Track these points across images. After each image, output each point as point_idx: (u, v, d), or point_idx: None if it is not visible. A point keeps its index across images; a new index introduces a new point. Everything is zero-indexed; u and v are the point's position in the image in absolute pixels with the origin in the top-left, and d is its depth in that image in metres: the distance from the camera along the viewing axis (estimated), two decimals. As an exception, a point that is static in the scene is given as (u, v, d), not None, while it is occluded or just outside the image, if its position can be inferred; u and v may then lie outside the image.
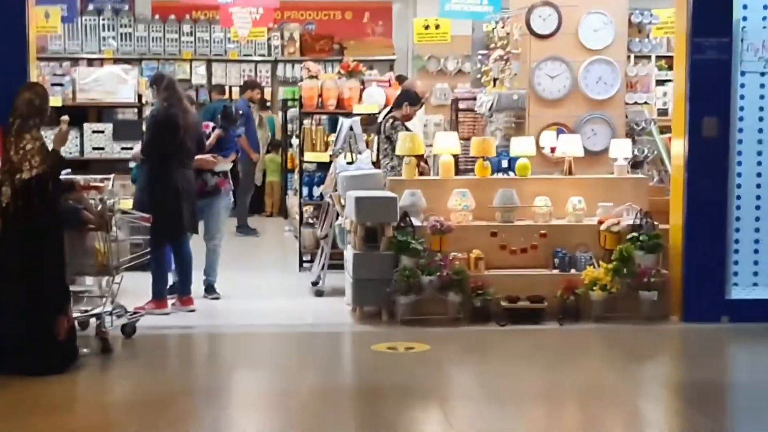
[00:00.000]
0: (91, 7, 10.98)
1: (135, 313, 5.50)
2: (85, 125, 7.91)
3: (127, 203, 6.22)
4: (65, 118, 5.12)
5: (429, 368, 5.18)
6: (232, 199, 6.91)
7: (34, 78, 5.83)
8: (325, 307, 6.77)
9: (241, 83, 10.95)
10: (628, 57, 8.19)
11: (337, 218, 6.82)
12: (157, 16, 11.48)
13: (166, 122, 5.81)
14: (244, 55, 11.44)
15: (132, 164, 6.78)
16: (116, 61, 10.33)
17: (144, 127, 6.54)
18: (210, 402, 4.48)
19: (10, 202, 4.54)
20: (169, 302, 6.10)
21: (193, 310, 6.14)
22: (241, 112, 7.67)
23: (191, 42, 11.33)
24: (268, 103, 11.02)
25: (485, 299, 6.01)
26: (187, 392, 4.68)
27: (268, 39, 11.10)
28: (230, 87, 11.15)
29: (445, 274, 5.94)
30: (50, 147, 4.69)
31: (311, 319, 6.56)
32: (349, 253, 6.28)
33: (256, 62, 11.57)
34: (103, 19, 11.02)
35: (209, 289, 6.42)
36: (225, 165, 6.55)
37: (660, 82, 8.95)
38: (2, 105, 5.07)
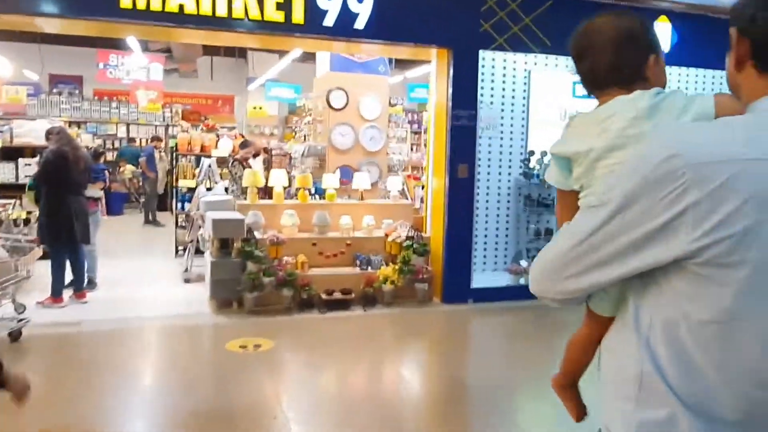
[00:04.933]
0: (55, 90, 16.22)
1: (22, 319, 5.77)
2: (20, 159, 10.07)
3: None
4: None
5: (273, 367, 5.44)
6: (102, 217, 7.69)
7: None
8: (192, 297, 7.36)
9: (150, 137, 15.33)
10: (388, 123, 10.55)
11: (199, 229, 7.77)
12: (96, 97, 16.50)
13: (55, 156, 6.55)
14: (148, 122, 16.54)
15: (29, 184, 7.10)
16: (70, 123, 14.16)
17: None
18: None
19: None
20: (66, 296, 6.78)
21: (85, 302, 6.90)
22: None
23: (117, 112, 16.33)
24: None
25: (310, 293, 6.95)
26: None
27: (163, 112, 16.15)
28: (141, 139, 16.30)
29: (281, 276, 6.83)
30: None
31: (178, 309, 6.90)
32: (207, 259, 7.11)
33: (156, 125, 16.51)
34: (62, 97, 15.86)
35: (90, 283, 7.24)
36: (94, 191, 7.26)
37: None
38: None
